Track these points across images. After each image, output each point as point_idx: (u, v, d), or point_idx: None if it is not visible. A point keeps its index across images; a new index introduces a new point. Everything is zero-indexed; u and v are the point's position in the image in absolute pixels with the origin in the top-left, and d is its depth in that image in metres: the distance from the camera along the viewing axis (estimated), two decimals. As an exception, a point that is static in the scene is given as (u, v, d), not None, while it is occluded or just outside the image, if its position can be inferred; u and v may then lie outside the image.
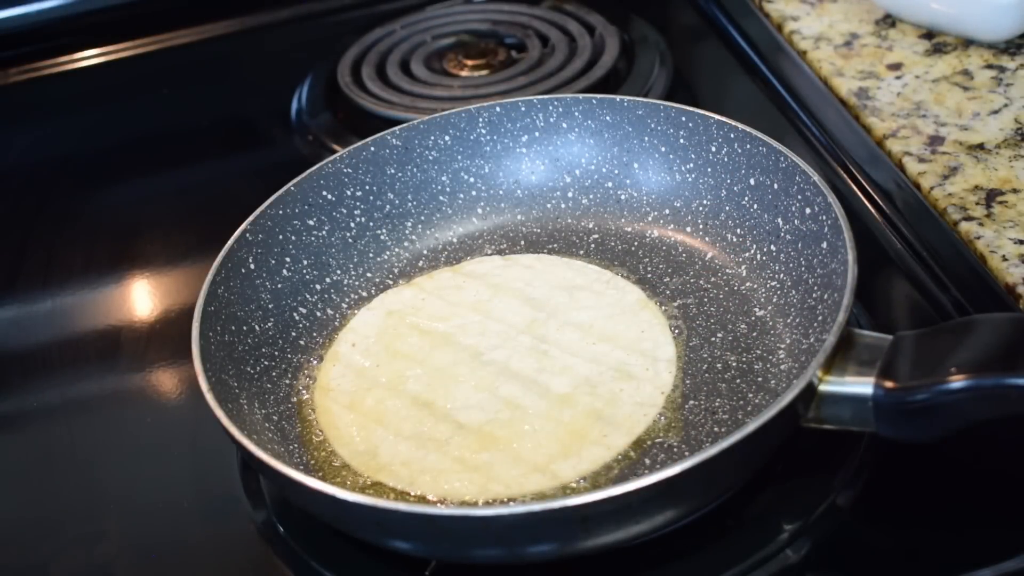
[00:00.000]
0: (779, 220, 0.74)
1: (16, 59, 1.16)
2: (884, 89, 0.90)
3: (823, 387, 0.61)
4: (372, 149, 0.82)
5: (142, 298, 0.89)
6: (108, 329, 0.86)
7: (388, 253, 0.82)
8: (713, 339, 0.72)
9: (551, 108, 0.83)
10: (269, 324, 0.75)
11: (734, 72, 1.00)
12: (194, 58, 1.15)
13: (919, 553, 0.62)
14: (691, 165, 0.80)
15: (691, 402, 0.69)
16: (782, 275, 0.74)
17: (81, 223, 0.96)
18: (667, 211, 0.81)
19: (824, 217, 0.70)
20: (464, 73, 1.03)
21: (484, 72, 1.03)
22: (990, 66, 0.91)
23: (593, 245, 0.81)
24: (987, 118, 0.86)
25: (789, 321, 0.72)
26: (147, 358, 0.82)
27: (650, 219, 0.81)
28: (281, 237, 0.78)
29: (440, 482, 0.66)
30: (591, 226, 0.82)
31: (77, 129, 1.09)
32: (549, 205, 0.84)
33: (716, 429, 0.67)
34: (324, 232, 0.80)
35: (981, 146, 0.83)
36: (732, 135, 0.77)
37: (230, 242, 0.75)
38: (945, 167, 0.82)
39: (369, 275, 0.81)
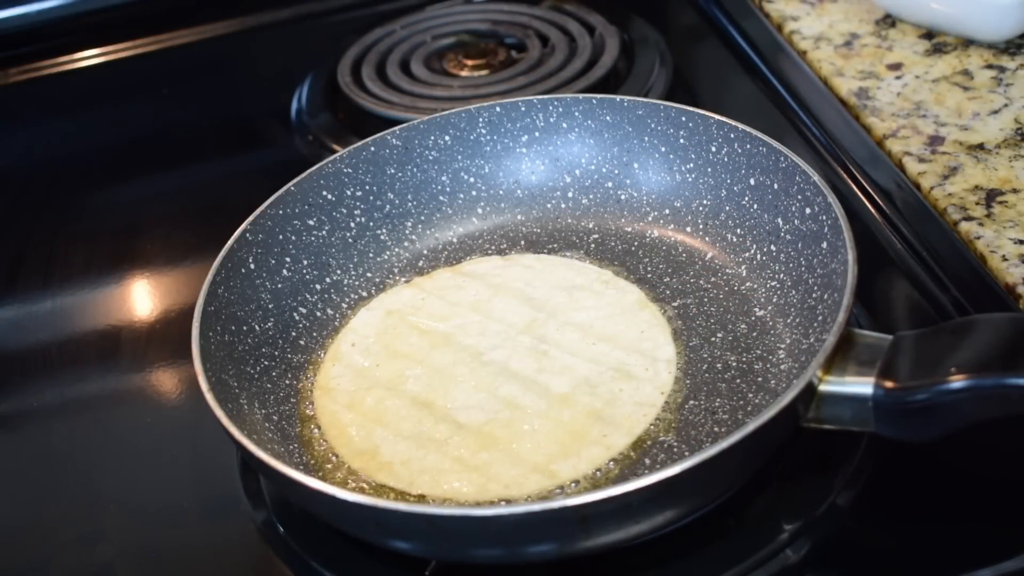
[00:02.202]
0: (779, 220, 0.74)
1: (16, 59, 1.16)
2: (884, 89, 0.90)
3: (823, 387, 0.61)
4: (372, 149, 0.82)
5: (142, 298, 0.89)
6: (108, 329, 0.86)
7: (388, 253, 0.82)
8: (713, 339, 0.72)
9: (551, 108, 0.83)
10: (269, 324, 0.75)
11: (734, 72, 1.00)
12: (194, 58, 1.15)
13: (919, 553, 0.62)
14: (691, 165, 0.80)
15: (691, 402, 0.69)
16: (782, 275, 0.74)
17: (81, 223, 0.96)
18: (667, 211, 0.81)
19: (824, 217, 0.70)
20: (464, 73, 1.03)
21: (484, 72, 1.02)
22: (990, 66, 0.91)
23: (593, 245, 0.81)
24: (987, 118, 0.86)
25: (789, 321, 0.72)
26: (147, 358, 0.82)
27: (650, 219, 0.81)
28: (281, 237, 0.78)
29: (440, 482, 0.66)
30: (591, 226, 0.82)
31: (77, 129, 1.09)
32: (549, 205, 0.84)
33: (716, 429, 0.67)
34: (324, 232, 0.80)
35: (981, 146, 0.83)
36: (732, 135, 0.77)
37: (230, 242, 0.75)
38: (945, 167, 0.82)
39: (369, 275, 0.81)
